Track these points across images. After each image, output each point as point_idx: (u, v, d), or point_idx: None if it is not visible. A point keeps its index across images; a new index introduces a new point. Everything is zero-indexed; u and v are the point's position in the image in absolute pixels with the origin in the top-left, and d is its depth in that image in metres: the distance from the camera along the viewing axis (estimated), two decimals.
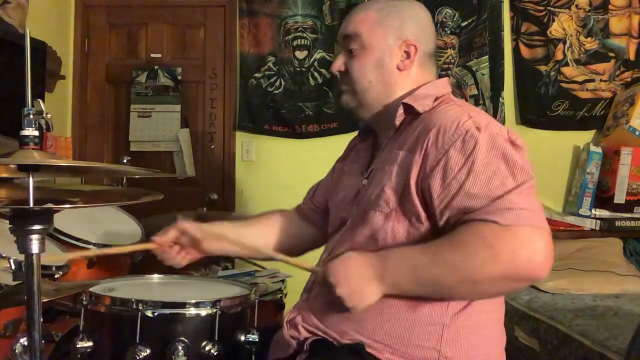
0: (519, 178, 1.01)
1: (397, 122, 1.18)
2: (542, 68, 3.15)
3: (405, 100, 1.18)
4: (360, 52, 1.22)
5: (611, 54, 3.15)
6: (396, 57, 1.21)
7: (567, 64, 3.15)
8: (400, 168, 1.11)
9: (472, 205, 1.00)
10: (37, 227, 0.88)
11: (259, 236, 1.44)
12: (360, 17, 1.24)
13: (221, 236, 1.37)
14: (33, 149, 0.89)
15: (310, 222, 1.47)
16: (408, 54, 1.21)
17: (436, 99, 1.19)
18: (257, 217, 1.52)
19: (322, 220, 1.42)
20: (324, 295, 1.16)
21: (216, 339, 1.15)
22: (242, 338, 1.21)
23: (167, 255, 1.35)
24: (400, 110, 1.18)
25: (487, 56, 3.11)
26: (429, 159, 1.07)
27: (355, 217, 1.19)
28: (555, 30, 3.15)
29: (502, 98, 3.11)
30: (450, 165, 1.04)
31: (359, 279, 1.05)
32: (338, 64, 1.26)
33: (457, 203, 1.02)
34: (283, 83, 3.19)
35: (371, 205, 1.14)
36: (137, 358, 1.10)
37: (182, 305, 1.17)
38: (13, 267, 0.94)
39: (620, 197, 2.93)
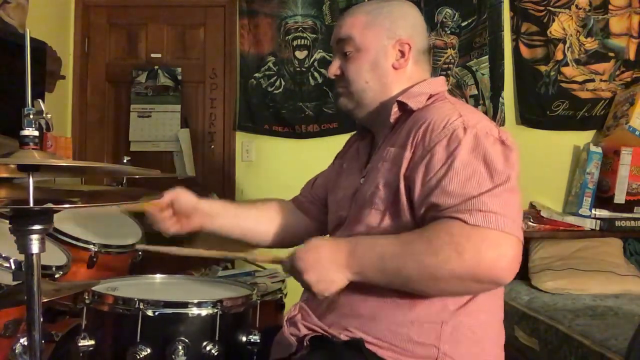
0: (497, 180, 1.01)
1: (392, 120, 1.20)
2: (542, 68, 3.15)
3: (399, 98, 1.19)
4: (355, 54, 1.23)
5: (611, 54, 3.15)
6: (391, 56, 1.23)
7: (567, 64, 3.15)
8: (392, 164, 1.13)
9: (445, 202, 1.01)
10: (37, 227, 0.88)
11: (254, 220, 1.46)
12: (351, 20, 1.26)
13: (212, 217, 1.40)
14: (33, 149, 0.89)
15: (308, 214, 1.48)
16: (402, 53, 1.23)
17: (430, 96, 1.20)
18: (254, 202, 1.55)
19: (320, 213, 1.44)
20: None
21: (217, 339, 1.15)
22: (244, 339, 1.21)
23: (158, 217, 1.37)
24: (395, 108, 1.19)
25: (487, 56, 3.11)
26: (416, 154, 1.09)
27: (352, 215, 1.21)
28: (555, 30, 3.15)
29: (502, 98, 3.11)
30: (433, 162, 1.05)
31: (327, 266, 1.06)
32: (334, 68, 1.27)
33: (433, 199, 1.03)
34: (283, 83, 3.19)
35: (366, 203, 1.15)
36: (138, 357, 1.10)
37: (184, 305, 1.17)
38: (13, 267, 0.94)
39: (620, 197, 2.93)
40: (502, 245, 0.97)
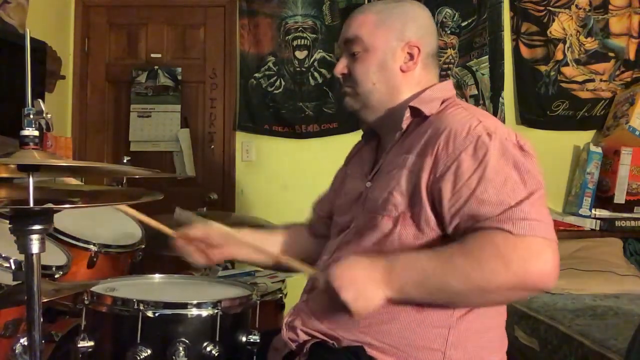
0: (530, 186, 1.01)
1: (404, 126, 1.18)
2: (542, 68, 3.15)
3: (412, 104, 1.17)
4: (363, 54, 1.21)
5: (611, 54, 3.15)
6: (399, 58, 1.20)
7: (567, 64, 3.15)
8: (410, 172, 1.10)
9: (483, 213, 1.00)
10: (37, 227, 0.88)
11: (276, 246, 1.42)
12: (360, 20, 1.23)
13: (242, 243, 1.36)
14: (33, 149, 0.89)
15: (320, 236, 1.43)
16: (411, 56, 1.20)
17: (443, 101, 1.18)
18: (282, 228, 1.50)
19: (328, 229, 1.39)
20: (325, 298, 1.15)
21: (217, 339, 1.15)
22: (243, 339, 1.21)
23: (185, 250, 1.34)
24: (407, 114, 1.17)
25: (487, 56, 3.11)
26: (439, 163, 1.06)
27: (362, 221, 1.18)
28: (555, 30, 3.15)
29: (502, 98, 3.11)
30: (461, 170, 1.03)
31: (365, 283, 1.02)
32: (341, 67, 1.24)
33: (468, 210, 1.01)
34: (283, 83, 3.19)
35: (378, 209, 1.13)
36: (138, 358, 1.10)
37: (184, 305, 1.17)
38: (13, 267, 0.94)
39: (620, 197, 2.93)
40: (545, 252, 0.98)
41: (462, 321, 1.07)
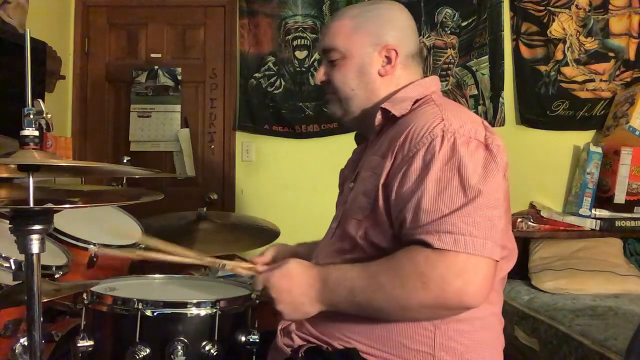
0: (470, 194, 0.97)
1: (377, 127, 1.18)
2: (542, 68, 3.15)
3: (383, 105, 1.16)
4: (341, 61, 1.21)
5: (611, 54, 3.15)
6: (377, 63, 1.20)
7: (567, 64, 3.15)
8: (372, 173, 1.11)
9: (417, 220, 0.99)
10: (37, 227, 0.88)
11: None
12: (335, 27, 1.23)
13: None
14: (33, 149, 0.89)
15: None
16: (389, 59, 1.20)
17: (416, 101, 1.16)
18: None
19: None
20: None
21: (216, 339, 1.15)
22: (242, 338, 1.21)
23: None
24: (379, 115, 1.17)
25: (487, 56, 3.12)
26: (395, 165, 1.06)
27: (341, 224, 1.19)
28: (555, 30, 3.15)
29: (502, 98, 3.11)
30: (409, 172, 1.02)
31: (299, 298, 1.08)
32: (320, 75, 1.26)
33: (405, 213, 1.01)
34: (283, 83, 3.19)
35: (350, 212, 1.14)
36: (137, 357, 1.10)
37: (183, 305, 1.17)
38: (13, 267, 0.94)
39: (620, 197, 2.93)
40: (469, 270, 0.94)
41: (449, 323, 1.06)
